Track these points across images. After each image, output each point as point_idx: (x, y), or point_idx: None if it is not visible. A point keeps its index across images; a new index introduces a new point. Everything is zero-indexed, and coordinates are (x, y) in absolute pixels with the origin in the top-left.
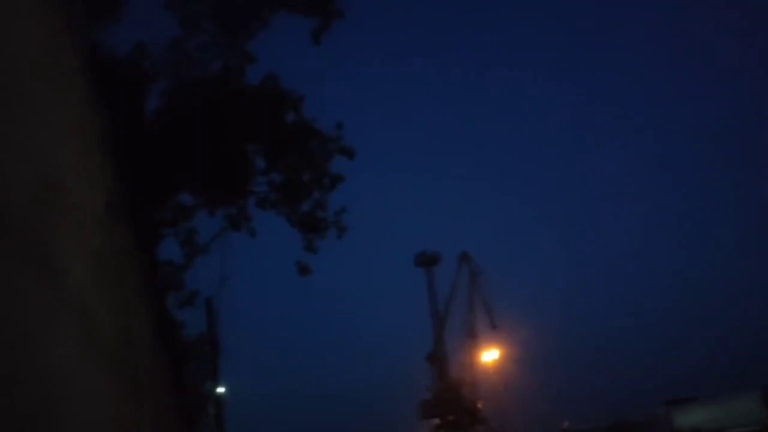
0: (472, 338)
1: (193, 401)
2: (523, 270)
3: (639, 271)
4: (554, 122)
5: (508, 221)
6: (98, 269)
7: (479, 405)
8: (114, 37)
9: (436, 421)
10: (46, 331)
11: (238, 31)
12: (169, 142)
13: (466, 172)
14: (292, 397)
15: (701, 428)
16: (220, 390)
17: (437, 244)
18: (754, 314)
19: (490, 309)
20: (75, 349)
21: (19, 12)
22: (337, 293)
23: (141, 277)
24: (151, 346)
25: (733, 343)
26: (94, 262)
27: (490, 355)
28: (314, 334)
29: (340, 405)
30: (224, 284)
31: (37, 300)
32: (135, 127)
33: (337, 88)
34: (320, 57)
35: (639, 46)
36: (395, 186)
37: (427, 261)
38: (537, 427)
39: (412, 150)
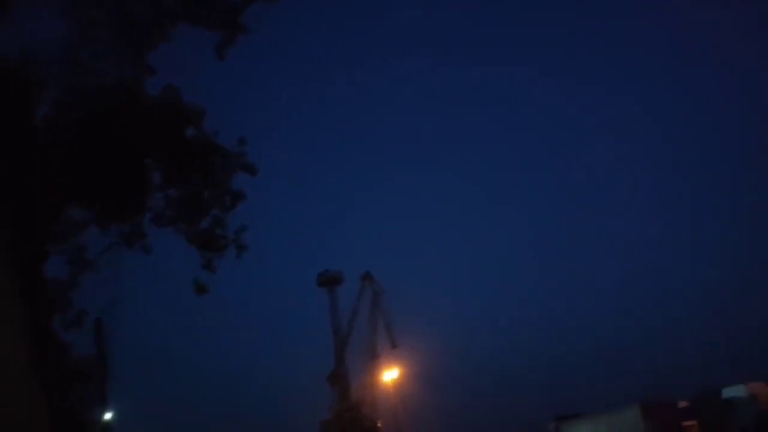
0: (373, 357)
1: (77, 428)
2: (425, 290)
3: (530, 296)
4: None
5: (410, 241)
6: None
7: (379, 424)
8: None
9: None
10: None
11: (137, 42)
12: (58, 153)
13: (371, 192)
14: (188, 420)
15: None
16: (107, 416)
17: (340, 263)
18: (629, 334)
19: (391, 328)
20: None
21: None
22: (237, 313)
23: (16, 295)
24: (27, 369)
25: (614, 361)
26: None
27: (390, 374)
28: (213, 354)
29: (240, 426)
30: (115, 304)
31: None
32: (21, 137)
33: (241, 102)
34: (225, 71)
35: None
36: (299, 204)
37: (329, 280)
38: None
39: (317, 168)
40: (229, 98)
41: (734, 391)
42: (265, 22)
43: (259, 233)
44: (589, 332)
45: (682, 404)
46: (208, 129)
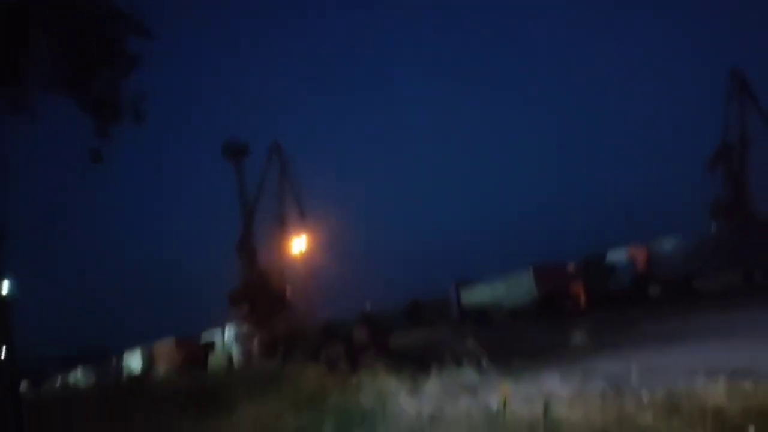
0: (281, 228)
1: None
2: (331, 159)
3: (433, 162)
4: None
5: (317, 111)
6: None
7: (287, 292)
8: None
9: (245, 308)
10: None
11: None
12: None
13: (277, 61)
14: (94, 293)
15: (483, 304)
16: (4, 287)
17: (247, 134)
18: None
19: (300, 199)
20: None
21: None
22: (140, 184)
23: None
24: None
25: (509, 227)
26: None
27: (298, 245)
28: (117, 226)
29: (147, 297)
30: (4, 171)
31: None
32: None
33: None
34: None
35: None
36: (202, 72)
37: (235, 151)
38: (342, 311)
39: (220, 35)
40: None
41: (616, 255)
42: None
43: (163, 102)
44: (488, 201)
45: (571, 268)
46: None
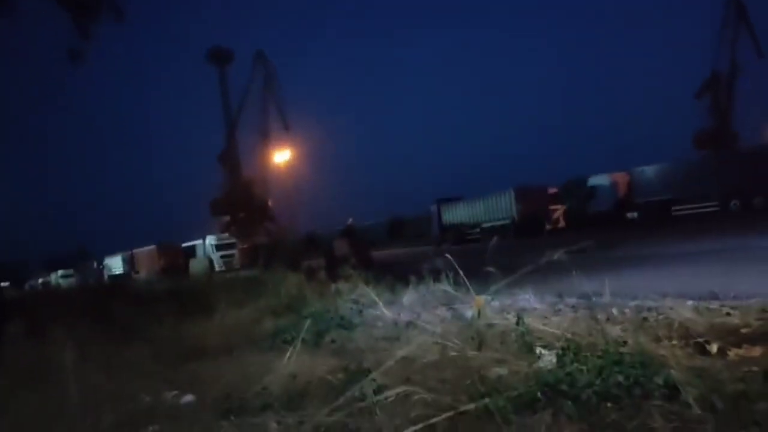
0: (264, 138)
1: None
2: (317, 71)
3: (426, 80)
4: None
5: (304, 19)
6: None
7: (269, 203)
8: None
9: (227, 218)
10: None
11: None
12: None
13: None
14: (70, 196)
15: (464, 222)
16: None
17: (231, 42)
18: (513, 125)
19: (283, 110)
20: None
21: None
22: (122, 88)
23: None
24: None
25: (495, 150)
26: None
27: (281, 156)
28: (99, 132)
29: (129, 204)
30: None
31: None
32: None
33: None
34: None
35: None
36: None
37: (219, 57)
38: (323, 224)
39: None
40: None
41: (598, 180)
42: None
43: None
44: (474, 122)
45: (552, 190)
46: None
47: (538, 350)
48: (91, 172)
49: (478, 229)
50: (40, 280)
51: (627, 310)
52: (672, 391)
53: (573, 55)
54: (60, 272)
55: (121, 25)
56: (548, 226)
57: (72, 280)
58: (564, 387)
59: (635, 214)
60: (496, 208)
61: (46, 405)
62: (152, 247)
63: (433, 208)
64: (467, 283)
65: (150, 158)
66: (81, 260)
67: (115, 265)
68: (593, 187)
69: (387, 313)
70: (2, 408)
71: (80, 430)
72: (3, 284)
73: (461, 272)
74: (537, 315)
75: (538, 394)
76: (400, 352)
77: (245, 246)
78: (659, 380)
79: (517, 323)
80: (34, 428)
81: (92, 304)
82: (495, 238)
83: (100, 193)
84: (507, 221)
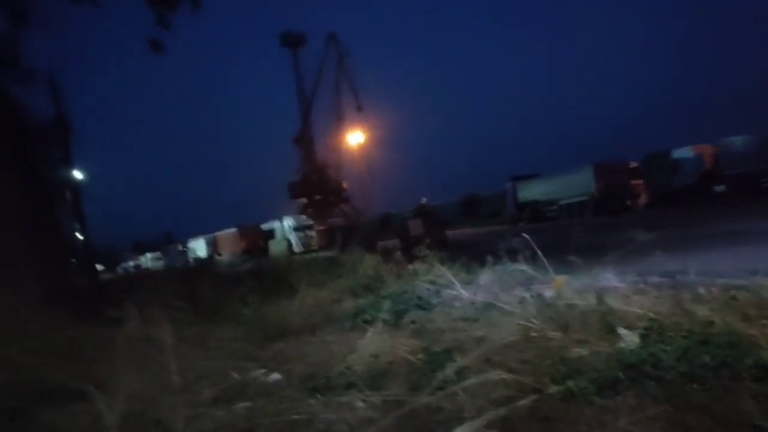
0: (338, 121)
1: (46, 187)
2: (390, 52)
3: (500, 63)
4: None
5: (377, 3)
6: None
7: (344, 185)
8: None
9: (304, 200)
10: None
11: None
12: None
13: None
14: (154, 182)
15: (540, 200)
16: (75, 174)
17: (303, 24)
18: (593, 102)
19: (357, 91)
20: None
21: None
22: (198, 75)
23: None
24: None
25: (573, 130)
26: None
27: (355, 137)
28: (176, 116)
29: (212, 189)
30: (66, 61)
31: None
32: None
33: None
34: None
35: None
36: None
37: (292, 41)
38: (398, 205)
39: None
40: None
41: (682, 152)
42: None
43: None
44: (552, 100)
45: (633, 165)
46: None
47: (620, 330)
48: (174, 158)
49: (555, 207)
50: (132, 263)
51: (714, 289)
52: (762, 372)
53: (652, 25)
54: (149, 255)
55: (197, 15)
56: (629, 203)
57: (160, 263)
58: (647, 368)
59: (722, 188)
60: (574, 185)
61: (151, 382)
62: (233, 229)
63: (509, 185)
64: (545, 263)
65: (229, 143)
66: (167, 244)
67: (199, 247)
68: (677, 161)
69: (464, 293)
70: (113, 385)
71: (183, 405)
72: (99, 267)
73: (539, 251)
74: (618, 295)
75: (621, 375)
76: (480, 333)
77: (322, 228)
78: (749, 361)
79: (598, 303)
80: (143, 403)
81: (182, 285)
82: (573, 215)
83: (183, 178)
84: (586, 198)
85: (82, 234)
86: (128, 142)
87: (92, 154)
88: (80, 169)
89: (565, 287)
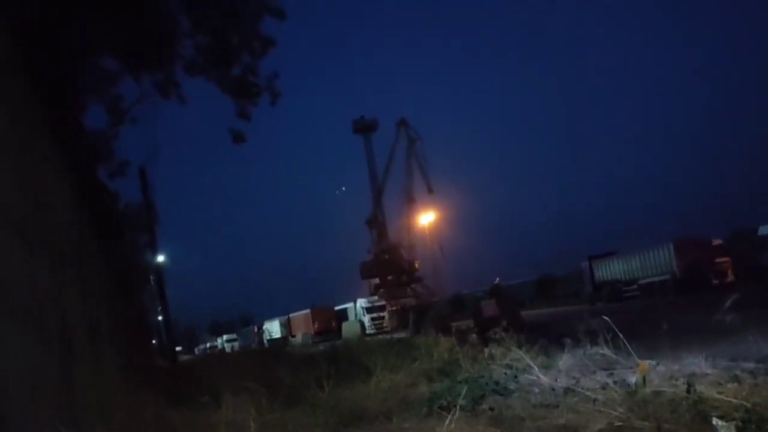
0: (409, 202)
1: (133, 271)
2: (460, 135)
3: (567, 139)
4: None
5: (445, 86)
6: None
7: (416, 265)
8: None
9: (376, 280)
10: None
11: None
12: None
13: (405, 37)
14: (232, 266)
15: (619, 279)
16: (159, 258)
17: (375, 110)
18: (665, 177)
19: (427, 174)
20: None
21: None
22: (274, 161)
23: (56, 143)
24: (73, 214)
25: (649, 205)
26: None
27: (426, 218)
28: (253, 202)
29: (287, 270)
30: (155, 153)
31: None
32: None
33: None
34: None
35: None
36: (330, 50)
37: (365, 127)
38: (469, 285)
39: (344, 12)
40: None
41: None
42: None
43: (294, 81)
44: (629, 178)
45: (717, 242)
46: None
47: (714, 421)
48: (252, 241)
49: (635, 286)
50: (208, 344)
51: None
52: None
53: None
54: (225, 337)
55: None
56: (715, 281)
57: (236, 344)
58: None
59: None
60: (654, 263)
61: None
62: (307, 311)
63: (585, 264)
64: (628, 346)
65: (304, 225)
66: (243, 325)
67: (274, 329)
68: (765, 237)
69: (543, 378)
70: None
71: None
72: (177, 349)
73: (620, 333)
74: (709, 381)
75: None
76: (561, 421)
77: (394, 308)
78: None
79: (688, 391)
80: None
81: (257, 368)
82: (654, 295)
83: (261, 262)
84: (667, 276)
85: (164, 316)
86: (208, 227)
87: (176, 239)
88: (164, 253)
89: (650, 372)
